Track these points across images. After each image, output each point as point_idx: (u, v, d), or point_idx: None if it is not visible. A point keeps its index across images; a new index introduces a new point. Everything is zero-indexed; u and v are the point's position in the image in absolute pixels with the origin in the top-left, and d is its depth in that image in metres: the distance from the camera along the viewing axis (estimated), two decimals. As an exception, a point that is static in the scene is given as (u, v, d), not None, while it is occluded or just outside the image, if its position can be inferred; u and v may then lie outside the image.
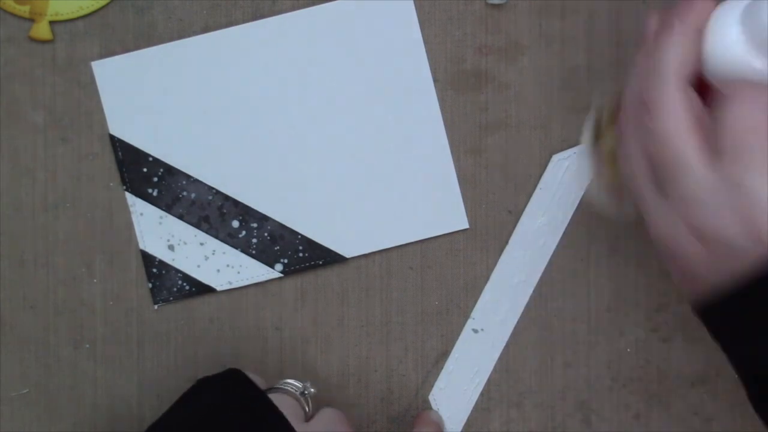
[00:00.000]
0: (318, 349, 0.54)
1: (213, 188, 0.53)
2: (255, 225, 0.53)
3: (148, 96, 0.53)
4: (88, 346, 0.54)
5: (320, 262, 0.53)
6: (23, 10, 0.53)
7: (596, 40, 0.53)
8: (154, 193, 0.53)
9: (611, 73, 0.53)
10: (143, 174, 0.53)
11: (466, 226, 0.53)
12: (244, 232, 0.53)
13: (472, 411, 0.54)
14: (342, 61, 0.53)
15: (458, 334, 0.54)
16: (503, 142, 0.54)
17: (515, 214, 0.54)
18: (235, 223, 0.53)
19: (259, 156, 0.53)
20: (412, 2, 0.53)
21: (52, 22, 0.53)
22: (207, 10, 0.53)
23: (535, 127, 0.54)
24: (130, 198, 0.53)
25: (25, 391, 0.53)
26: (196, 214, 0.53)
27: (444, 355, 0.54)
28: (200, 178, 0.53)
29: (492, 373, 0.54)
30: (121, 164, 0.53)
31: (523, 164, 0.54)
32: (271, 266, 0.53)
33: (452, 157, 0.53)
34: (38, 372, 0.54)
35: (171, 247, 0.53)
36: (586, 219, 0.54)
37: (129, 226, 0.54)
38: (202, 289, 0.53)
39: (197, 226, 0.53)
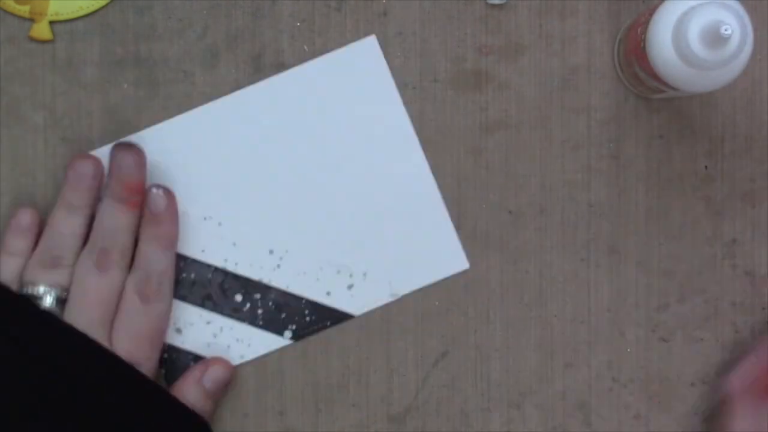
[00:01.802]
0: (318, 349, 0.54)
1: (211, 265, 0.53)
2: (258, 296, 0.53)
3: None
4: (88, 346, 0.54)
5: (328, 323, 0.53)
6: (23, 10, 0.53)
7: (596, 40, 0.53)
8: None
9: (611, 73, 0.53)
10: None
11: (467, 266, 0.53)
12: (248, 305, 0.53)
13: (471, 411, 0.54)
14: (322, 119, 0.53)
15: (458, 334, 0.54)
16: (503, 142, 0.54)
17: (515, 214, 0.54)
18: (239, 297, 0.53)
19: (252, 225, 0.53)
20: (374, 38, 0.53)
21: (52, 22, 0.53)
22: (207, 10, 0.53)
23: (535, 127, 0.54)
24: None
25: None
26: (199, 293, 0.53)
27: (444, 355, 0.54)
28: (197, 257, 0.53)
29: (492, 372, 0.54)
30: None
31: (523, 164, 0.54)
32: (281, 334, 0.53)
33: (445, 184, 0.53)
34: (38, 372, 0.54)
35: (179, 330, 0.53)
36: (585, 219, 0.54)
37: (129, 226, 0.53)
38: None
39: (201, 305, 0.53)
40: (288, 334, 0.53)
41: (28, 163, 0.53)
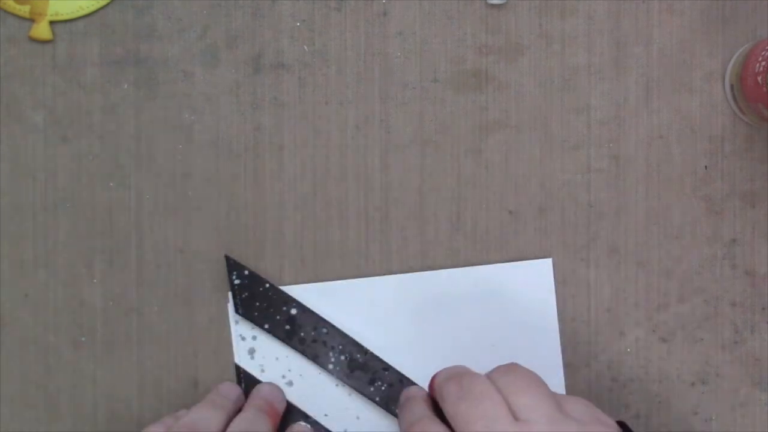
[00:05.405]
0: (318, 349, 0.54)
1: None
2: None
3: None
4: (88, 346, 0.54)
5: None
6: (23, 10, 0.53)
7: (596, 40, 0.53)
8: None
9: (611, 73, 0.53)
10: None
11: None
12: None
13: (472, 411, 0.54)
14: (484, 316, 0.53)
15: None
16: (503, 142, 0.54)
17: (515, 214, 0.54)
18: None
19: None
20: (551, 260, 0.53)
21: (52, 22, 0.53)
22: (207, 10, 0.53)
23: (535, 127, 0.54)
24: None
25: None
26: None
27: (444, 355, 0.54)
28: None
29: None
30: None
31: (523, 164, 0.54)
32: None
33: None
34: (38, 372, 0.54)
35: None
36: (585, 219, 0.54)
37: (129, 225, 0.54)
38: None
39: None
40: None
41: (28, 163, 0.54)
